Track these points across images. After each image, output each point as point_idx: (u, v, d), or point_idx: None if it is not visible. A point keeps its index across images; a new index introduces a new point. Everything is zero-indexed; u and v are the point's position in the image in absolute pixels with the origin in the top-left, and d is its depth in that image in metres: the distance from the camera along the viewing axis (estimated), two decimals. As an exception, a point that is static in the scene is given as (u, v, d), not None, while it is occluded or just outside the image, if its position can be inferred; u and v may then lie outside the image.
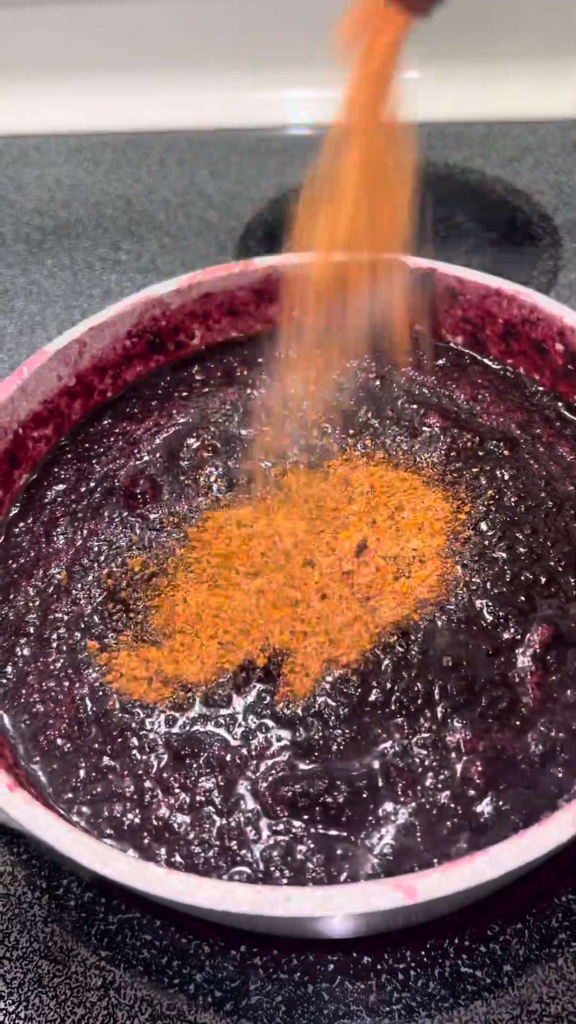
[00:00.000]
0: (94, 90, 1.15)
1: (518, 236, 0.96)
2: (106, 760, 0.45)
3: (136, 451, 0.60)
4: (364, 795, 0.43)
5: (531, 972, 0.49)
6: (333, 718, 0.45)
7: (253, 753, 0.45)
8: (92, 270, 0.96)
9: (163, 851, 0.42)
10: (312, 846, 0.42)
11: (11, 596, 0.53)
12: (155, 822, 0.43)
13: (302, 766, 0.44)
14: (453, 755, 0.44)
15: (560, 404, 0.60)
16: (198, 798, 0.44)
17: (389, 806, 0.43)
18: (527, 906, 0.50)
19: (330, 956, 0.49)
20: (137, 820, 0.43)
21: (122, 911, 0.51)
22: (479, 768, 0.43)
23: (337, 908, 0.36)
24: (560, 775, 0.44)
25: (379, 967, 0.49)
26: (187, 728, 0.46)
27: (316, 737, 0.45)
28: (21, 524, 0.56)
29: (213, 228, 1.00)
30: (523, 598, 0.49)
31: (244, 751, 0.45)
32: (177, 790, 0.44)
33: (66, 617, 0.51)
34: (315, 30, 1.10)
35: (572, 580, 0.50)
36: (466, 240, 0.95)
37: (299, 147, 1.11)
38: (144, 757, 0.45)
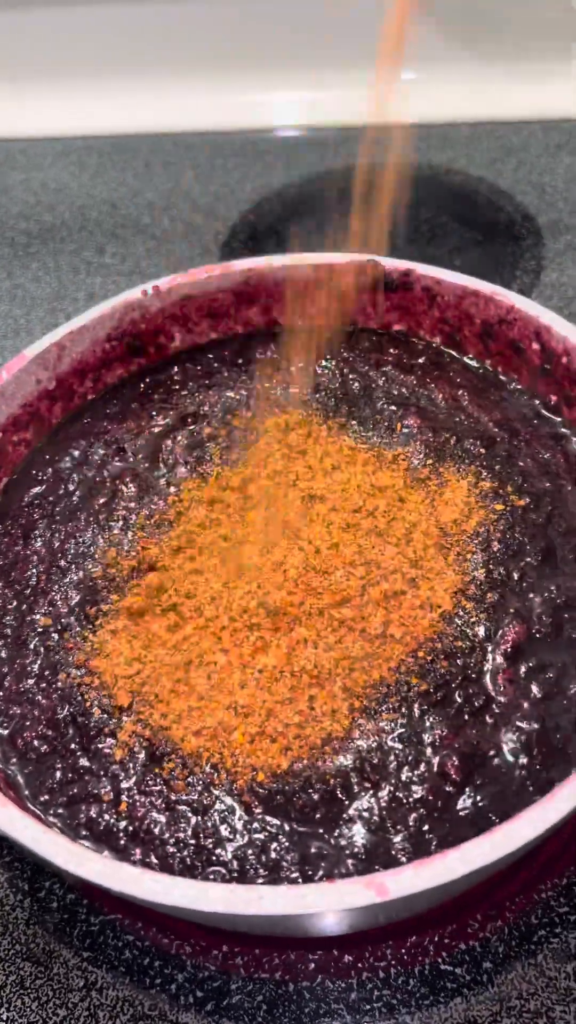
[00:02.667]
0: (80, 94, 1.15)
1: (501, 236, 0.96)
2: (83, 761, 0.46)
3: (116, 453, 0.60)
4: (339, 792, 0.43)
5: (511, 969, 0.49)
6: (311, 717, 0.46)
7: (229, 751, 0.45)
8: (77, 273, 0.96)
9: (139, 851, 0.42)
10: (287, 844, 0.42)
11: (-10, 599, 0.53)
12: (131, 822, 0.43)
13: (277, 763, 0.44)
14: (429, 752, 0.44)
15: (537, 402, 0.61)
16: (173, 797, 0.44)
17: (364, 803, 0.43)
18: (507, 903, 0.51)
19: (311, 955, 0.49)
20: (113, 820, 0.43)
21: (104, 913, 0.51)
22: (455, 764, 0.44)
23: (310, 906, 0.36)
24: (535, 771, 0.44)
25: (360, 965, 0.49)
26: (164, 726, 0.46)
27: (292, 736, 0.45)
28: None
29: (198, 231, 1.01)
30: (497, 596, 0.50)
31: (220, 749, 0.45)
32: (154, 790, 0.44)
33: (44, 619, 0.51)
34: (301, 34, 1.11)
35: (546, 577, 0.51)
36: (449, 240, 0.95)
37: (284, 150, 1.11)
38: (121, 757, 0.46)
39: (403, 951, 0.50)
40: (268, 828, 0.43)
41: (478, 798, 0.43)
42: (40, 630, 0.51)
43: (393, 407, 0.60)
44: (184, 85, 1.13)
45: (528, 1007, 0.48)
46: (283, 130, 1.14)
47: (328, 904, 0.36)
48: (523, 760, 0.44)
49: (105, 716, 0.47)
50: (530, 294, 0.86)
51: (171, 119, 1.15)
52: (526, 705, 0.46)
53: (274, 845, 0.42)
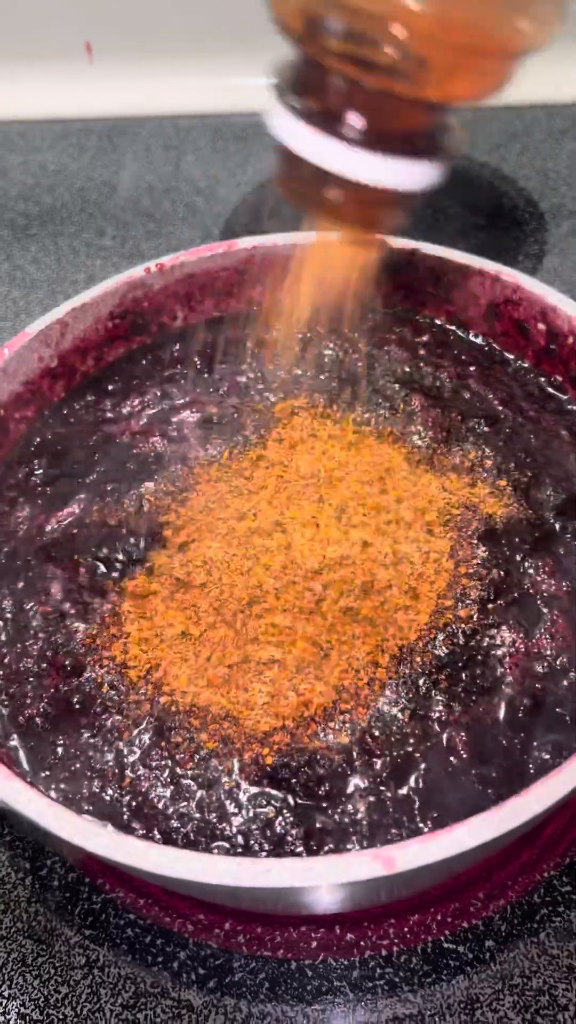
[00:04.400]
0: (79, 75, 1.14)
1: (504, 221, 0.96)
2: (87, 737, 0.45)
3: (119, 431, 0.60)
4: (344, 767, 0.43)
5: (513, 947, 0.49)
6: (316, 688, 0.45)
7: (235, 726, 0.45)
8: (77, 256, 0.96)
9: (143, 826, 0.42)
10: (292, 819, 0.42)
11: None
12: (135, 797, 0.43)
13: (283, 739, 0.44)
14: (436, 727, 0.44)
15: (543, 380, 0.60)
16: (179, 771, 0.44)
17: (369, 778, 0.43)
18: (510, 882, 0.51)
19: (313, 933, 0.49)
20: (117, 795, 0.43)
21: (106, 891, 0.51)
22: (463, 740, 0.43)
23: (317, 878, 0.36)
24: (543, 747, 0.44)
25: (362, 943, 0.49)
26: (172, 702, 0.46)
27: (299, 712, 0.45)
28: None
29: (199, 213, 1.00)
30: (502, 573, 0.49)
31: (226, 724, 0.45)
32: (159, 764, 0.44)
33: (44, 598, 0.51)
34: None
35: (549, 552, 0.50)
36: (452, 224, 0.95)
37: (285, 133, 1.10)
38: (127, 732, 0.45)
39: (405, 929, 0.50)
40: (273, 803, 0.42)
41: (485, 773, 0.43)
42: (41, 611, 0.50)
43: (397, 386, 0.60)
44: (185, 67, 1.13)
45: (530, 985, 0.48)
46: (284, 113, 1.13)
47: (335, 876, 0.35)
48: (531, 736, 0.44)
49: (112, 692, 0.47)
50: (533, 278, 0.86)
51: (172, 101, 1.14)
52: (533, 683, 0.45)
53: (279, 820, 0.42)
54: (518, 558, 0.50)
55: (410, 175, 0.37)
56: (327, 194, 0.38)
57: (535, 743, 0.44)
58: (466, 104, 0.36)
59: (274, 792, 0.43)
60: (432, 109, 0.36)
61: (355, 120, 0.36)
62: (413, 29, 0.32)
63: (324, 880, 0.36)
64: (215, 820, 0.42)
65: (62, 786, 0.44)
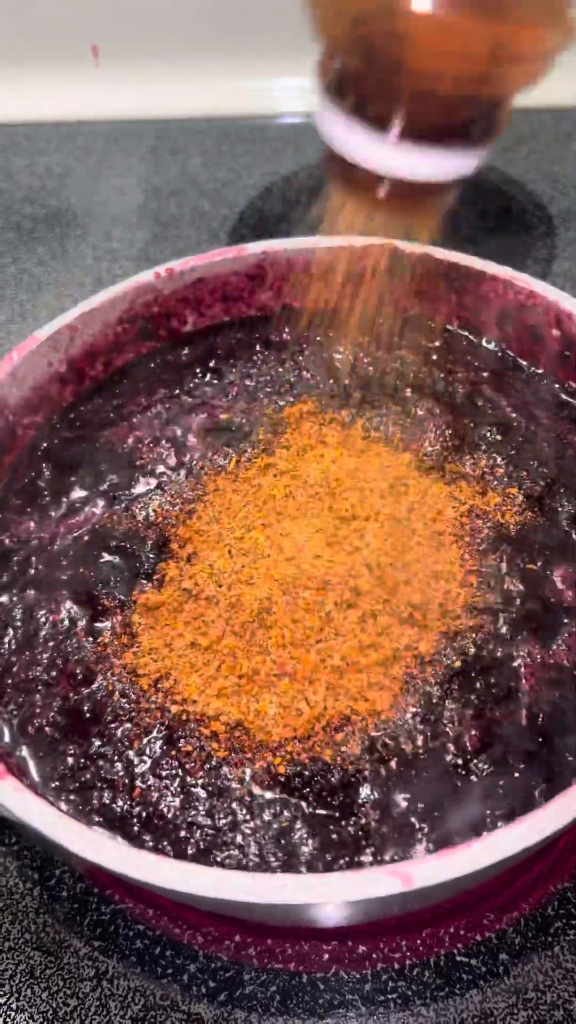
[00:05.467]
0: (86, 78, 1.14)
1: (513, 225, 0.95)
2: (96, 747, 0.45)
3: (127, 436, 0.59)
4: (357, 777, 0.42)
5: (527, 961, 0.48)
6: (327, 699, 0.45)
7: (246, 735, 0.44)
8: (83, 259, 0.95)
9: (153, 837, 0.42)
10: (305, 829, 0.41)
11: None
12: (145, 807, 0.43)
13: (295, 748, 0.43)
14: (450, 738, 0.44)
15: (557, 387, 0.60)
16: (190, 780, 0.43)
17: (383, 788, 0.42)
18: (523, 895, 0.50)
19: (325, 946, 0.49)
20: (127, 806, 0.43)
21: (115, 902, 0.51)
22: (477, 750, 0.43)
23: (333, 895, 0.35)
24: (559, 760, 0.43)
25: (374, 956, 0.49)
26: (182, 711, 0.45)
27: (310, 722, 0.44)
28: (3, 513, 0.56)
29: (205, 217, 1.00)
30: (516, 581, 0.49)
31: (237, 733, 0.45)
32: (169, 774, 0.44)
33: (54, 608, 0.50)
34: (307, 18, 1.09)
35: (566, 560, 0.50)
36: (460, 229, 0.94)
37: (291, 135, 1.10)
38: (137, 742, 0.45)
39: (418, 942, 0.49)
40: (285, 813, 0.42)
41: (501, 785, 0.42)
42: (51, 621, 0.50)
43: (409, 391, 0.59)
44: (191, 70, 1.12)
45: (545, 999, 0.47)
46: (291, 116, 1.13)
47: (353, 893, 0.35)
48: (547, 750, 0.43)
49: (123, 700, 0.46)
50: (542, 283, 0.86)
51: (177, 104, 1.14)
52: (551, 694, 0.45)
53: (291, 830, 0.41)
54: (534, 568, 0.49)
55: (452, 164, 0.38)
56: (374, 188, 0.39)
57: (553, 755, 0.43)
58: (505, 97, 0.36)
59: (287, 801, 0.42)
60: (472, 102, 0.37)
61: (395, 118, 0.37)
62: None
63: (340, 896, 0.35)
64: (227, 830, 0.42)
65: (72, 797, 0.43)
